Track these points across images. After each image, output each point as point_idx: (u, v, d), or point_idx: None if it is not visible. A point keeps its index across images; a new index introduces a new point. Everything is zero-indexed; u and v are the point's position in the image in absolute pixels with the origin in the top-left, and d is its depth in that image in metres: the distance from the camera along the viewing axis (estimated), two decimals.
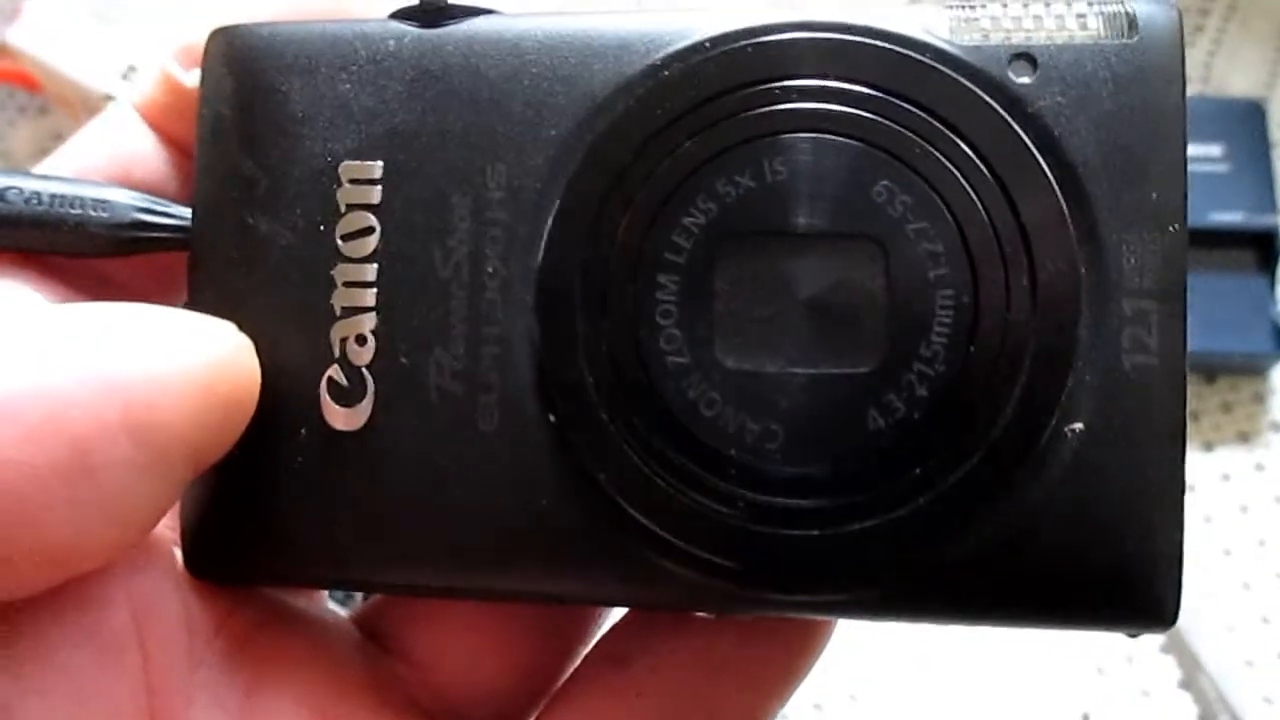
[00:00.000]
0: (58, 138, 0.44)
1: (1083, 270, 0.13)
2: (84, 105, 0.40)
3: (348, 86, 0.15)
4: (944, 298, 0.13)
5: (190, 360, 0.13)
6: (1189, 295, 0.38)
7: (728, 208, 0.13)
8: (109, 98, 0.37)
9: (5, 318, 0.13)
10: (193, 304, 0.15)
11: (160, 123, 0.17)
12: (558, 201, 0.14)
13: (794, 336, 0.13)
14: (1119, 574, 0.13)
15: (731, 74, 0.14)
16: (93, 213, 0.15)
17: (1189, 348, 0.38)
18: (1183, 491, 0.14)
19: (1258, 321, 0.38)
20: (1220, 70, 0.43)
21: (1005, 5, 0.13)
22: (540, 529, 0.14)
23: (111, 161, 0.16)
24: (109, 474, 0.12)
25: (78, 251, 0.16)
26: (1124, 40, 0.13)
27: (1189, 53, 0.41)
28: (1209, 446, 0.39)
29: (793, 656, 0.16)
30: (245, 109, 0.15)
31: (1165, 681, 0.36)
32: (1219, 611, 0.37)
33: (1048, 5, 0.13)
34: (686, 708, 0.15)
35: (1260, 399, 0.39)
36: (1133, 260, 0.13)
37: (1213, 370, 0.39)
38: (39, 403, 0.12)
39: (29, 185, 0.15)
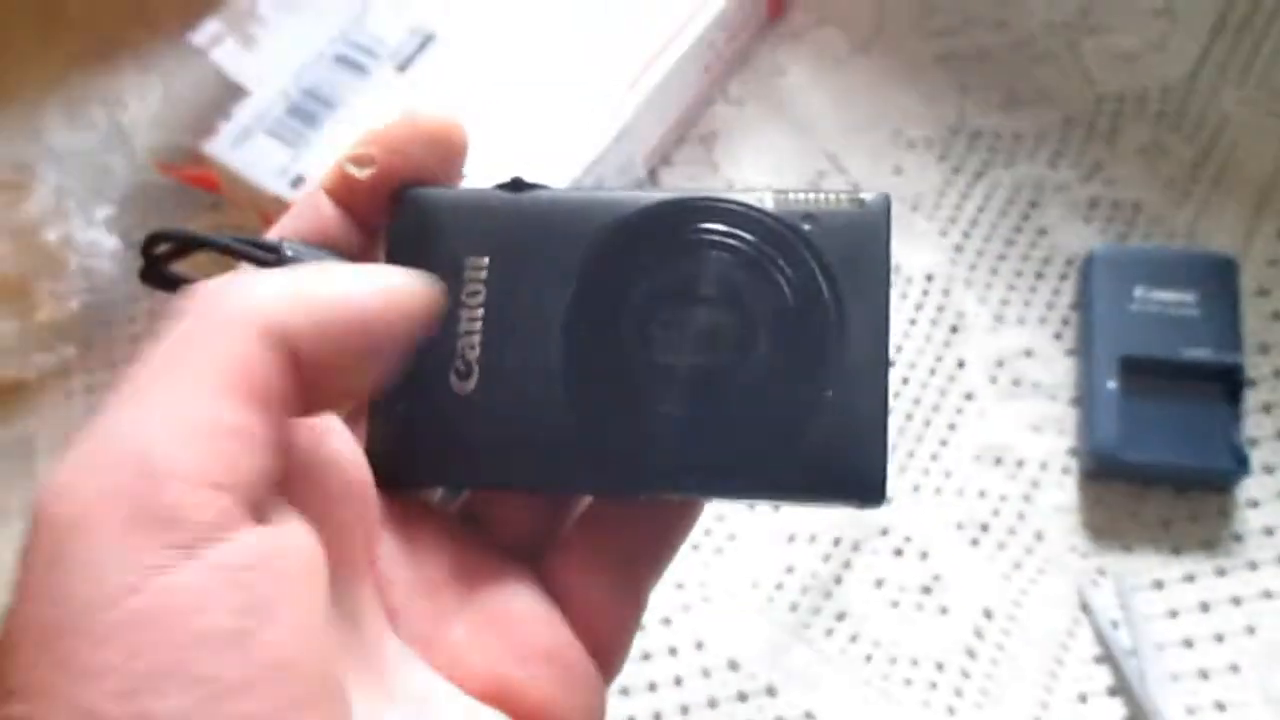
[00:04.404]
0: (225, 229, 0.54)
1: (835, 319, 0.24)
2: (253, 204, 0.49)
3: (472, 221, 0.26)
4: (774, 321, 0.24)
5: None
6: (1167, 419, 0.44)
7: (664, 285, 0.24)
8: (278, 199, 0.46)
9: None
10: None
11: (340, 201, 0.25)
12: (576, 280, 0.25)
13: (696, 342, 0.24)
14: (825, 449, 0.23)
15: (667, 220, 0.25)
16: None
17: (1164, 461, 0.43)
18: (885, 375, 0.23)
19: (1223, 444, 0.44)
20: (1204, 229, 0.49)
21: (802, 192, 0.24)
22: (559, 448, 0.24)
23: (315, 228, 0.25)
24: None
25: None
26: (859, 210, 0.24)
27: (1179, 213, 0.48)
28: (1176, 551, 0.44)
29: (683, 520, 0.26)
30: (418, 236, 0.26)
31: None
32: (1180, 696, 0.42)
33: (820, 192, 0.24)
34: (628, 552, 0.25)
35: (1224, 512, 0.45)
36: (859, 325, 0.23)
37: (1183, 484, 0.45)
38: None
39: (300, 248, 0.25)
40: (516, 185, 0.26)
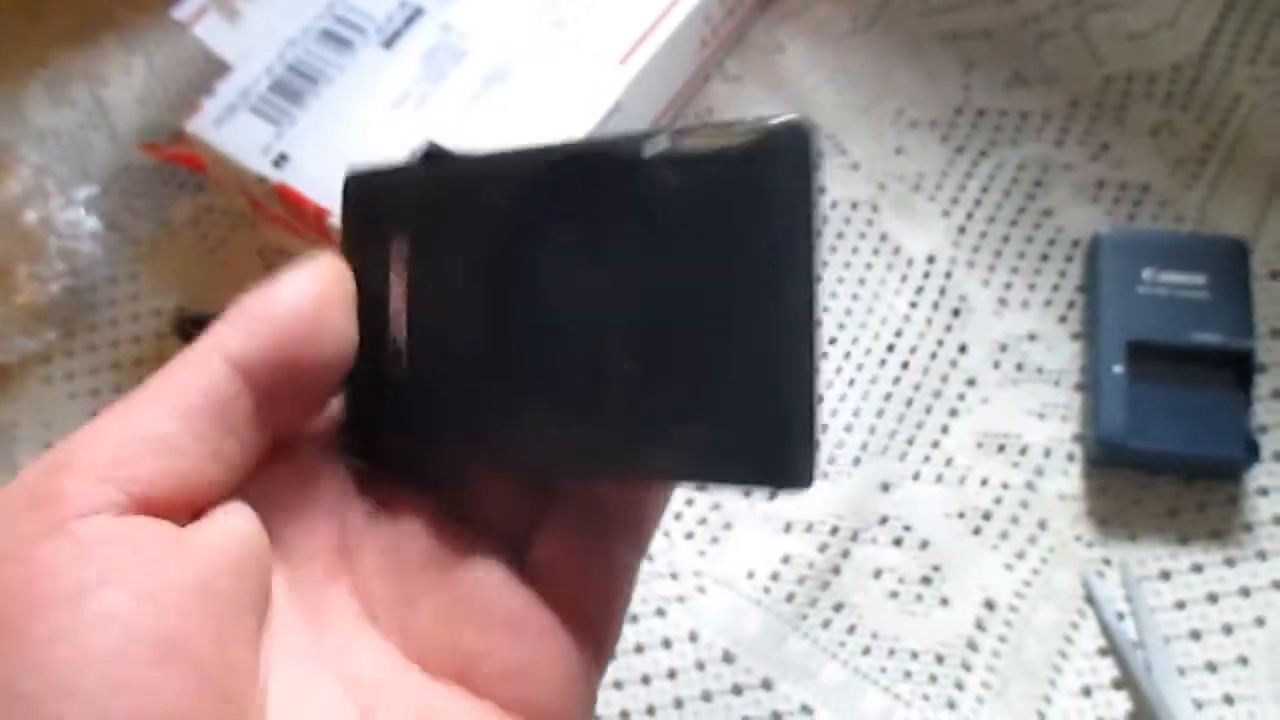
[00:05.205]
0: (209, 209, 0.53)
1: (700, 282, 0.20)
2: (237, 183, 0.48)
3: (397, 198, 0.25)
4: (628, 290, 0.21)
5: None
6: (1175, 406, 0.43)
7: (534, 258, 0.23)
8: (261, 179, 0.45)
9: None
10: None
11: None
12: (473, 258, 0.23)
13: (553, 321, 0.22)
14: (753, 433, 0.19)
15: (542, 184, 0.23)
16: None
17: (1172, 449, 0.42)
18: (813, 362, 0.19)
19: (1233, 432, 0.43)
20: (1214, 211, 0.48)
21: (692, 129, 0.20)
22: (478, 428, 0.23)
23: None
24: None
25: None
26: (760, 146, 0.19)
27: (1188, 195, 0.47)
28: (1184, 540, 0.43)
29: (650, 495, 0.25)
30: (354, 214, 0.26)
31: None
32: (1187, 689, 0.41)
33: (715, 127, 0.20)
34: (603, 529, 0.25)
35: (1233, 501, 0.43)
36: (744, 287, 0.20)
37: (1191, 472, 0.44)
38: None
39: None
40: (429, 155, 0.25)
